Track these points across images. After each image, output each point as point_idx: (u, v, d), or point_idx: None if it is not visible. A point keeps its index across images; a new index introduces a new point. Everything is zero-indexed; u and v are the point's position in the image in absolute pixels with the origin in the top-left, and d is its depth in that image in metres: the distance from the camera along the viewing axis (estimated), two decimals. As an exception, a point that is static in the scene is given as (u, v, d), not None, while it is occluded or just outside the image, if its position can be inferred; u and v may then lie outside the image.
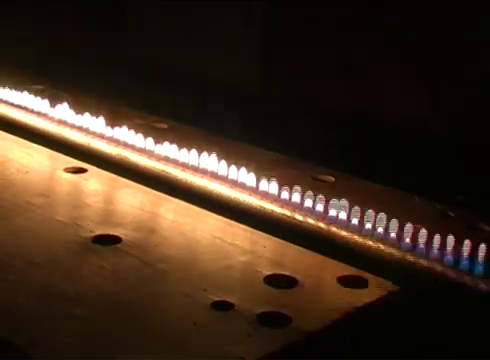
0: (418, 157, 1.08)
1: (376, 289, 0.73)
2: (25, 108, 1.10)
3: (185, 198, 0.90)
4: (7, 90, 1.15)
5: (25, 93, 1.13)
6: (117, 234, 0.81)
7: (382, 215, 0.81)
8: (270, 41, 1.24)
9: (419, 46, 1.09)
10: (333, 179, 0.99)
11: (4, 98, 1.14)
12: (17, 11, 1.55)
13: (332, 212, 0.83)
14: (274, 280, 0.74)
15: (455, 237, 0.78)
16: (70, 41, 1.48)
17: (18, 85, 1.17)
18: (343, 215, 0.82)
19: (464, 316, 0.72)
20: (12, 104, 1.12)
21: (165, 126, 1.14)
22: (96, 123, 1.03)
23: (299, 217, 0.84)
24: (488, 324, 0.72)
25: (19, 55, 1.36)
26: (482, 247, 0.76)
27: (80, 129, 1.04)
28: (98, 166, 0.98)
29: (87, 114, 1.05)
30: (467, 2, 1.03)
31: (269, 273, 0.75)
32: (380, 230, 0.80)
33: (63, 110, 1.07)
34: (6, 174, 0.96)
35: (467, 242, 0.77)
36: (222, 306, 0.69)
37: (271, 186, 0.87)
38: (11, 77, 1.21)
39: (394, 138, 1.10)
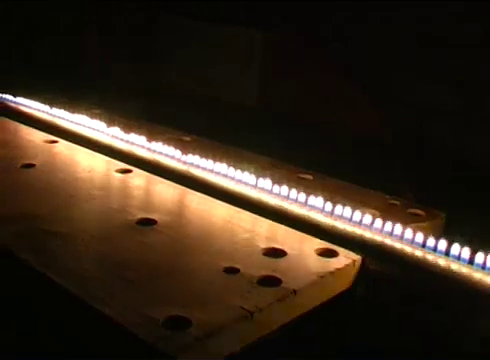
0: (373, 159, 1.07)
1: (343, 258, 0.72)
2: (88, 126, 1.09)
3: (203, 192, 0.88)
4: (75, 114, 1.14)
5: (87, 116, 1.12)
6: (154, 218, 0.80)
7: (346, 203, 0.80)
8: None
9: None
10: (311, 177, 0.97)
11: (74, 120, 1.12)
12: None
13: (310, 201, 0.82)
14: (269, 252, 0.73)
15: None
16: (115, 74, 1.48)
17: (82, 110, 1.16)
18: (319, 203, 0.81)
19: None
20: (79, 123, 1.10)
21: (189, 139, 1.13)
22: (138, 137, 1.02)
23: (286, 205, 0.82)
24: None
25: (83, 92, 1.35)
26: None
27: (127, 142, 1.02)
28: (140, 168, 0.96)
29: (132, 131, 1.04)
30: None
31: (265, 246, 0.74)
32: (346, 215, 0.79)
33: (114, 128, 1.06)
34: (75, 173, 0.95)
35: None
36: (231, 271, 0.68)
37: (266, 182, 0.86)
38: (76, 105, 1.20)
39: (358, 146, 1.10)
